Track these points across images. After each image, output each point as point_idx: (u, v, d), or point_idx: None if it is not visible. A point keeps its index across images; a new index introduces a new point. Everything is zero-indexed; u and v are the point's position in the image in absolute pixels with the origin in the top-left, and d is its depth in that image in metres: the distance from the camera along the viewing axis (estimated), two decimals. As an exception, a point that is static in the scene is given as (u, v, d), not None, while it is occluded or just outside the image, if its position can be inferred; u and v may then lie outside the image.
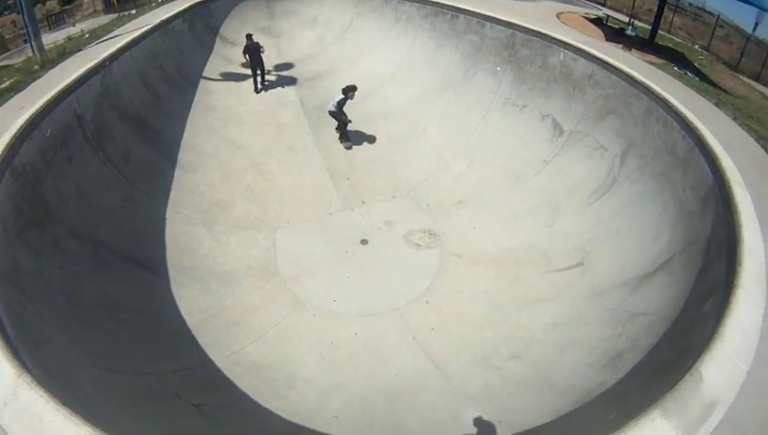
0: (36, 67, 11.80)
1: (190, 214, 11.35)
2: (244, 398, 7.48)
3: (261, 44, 16.49)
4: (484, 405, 7.48)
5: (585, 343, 8.12)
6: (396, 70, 17.23)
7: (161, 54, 15.25)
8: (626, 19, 19.47)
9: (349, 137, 14.45)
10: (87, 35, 14.60)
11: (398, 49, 17.91)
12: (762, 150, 9.95)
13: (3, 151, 8.00)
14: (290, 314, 9.61)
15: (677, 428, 4.80)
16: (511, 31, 15.10)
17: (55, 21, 22.95)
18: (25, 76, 11.20)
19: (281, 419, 7.15)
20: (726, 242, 7.43)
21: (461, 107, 15.14)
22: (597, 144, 12.04)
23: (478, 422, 7.10)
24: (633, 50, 15.02)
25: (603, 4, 23.34)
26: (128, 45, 13.49)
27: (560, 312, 9.22)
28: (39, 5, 24.38)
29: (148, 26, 15.00)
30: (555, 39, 14.07)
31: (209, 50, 17.95)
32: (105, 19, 17.57)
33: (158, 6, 17.81)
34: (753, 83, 17.64)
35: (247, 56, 16.42)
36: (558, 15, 17.82)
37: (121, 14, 17.11)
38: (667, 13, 19.74)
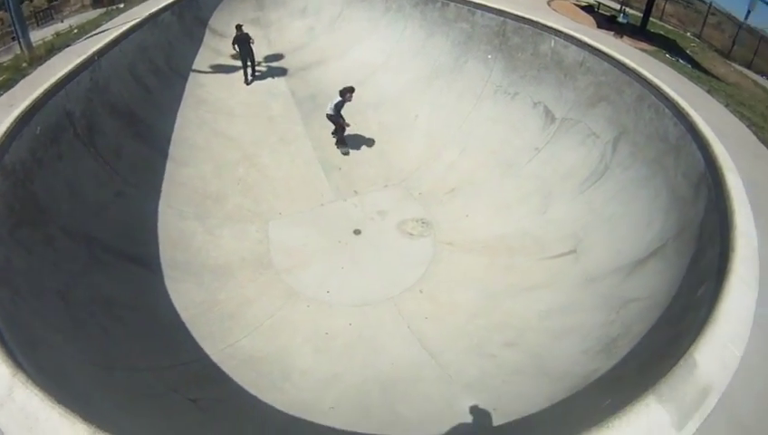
0: (25, 64, 11.69)
1: (183, 208, 11.32)
2: (240, 391, 7.49)
3: (250, 35, 16.40)
4: (480, 393, 7.51)
5: (579, 330, 8.15)
6: (386, 59, 17.18)
7: (150, 48, 15.13)
8: (617, 6, 19.40)
9: (346, 142, 14.18)
10: (75, 31, 14.45)
11: (388, 38, 17.84)
12: (754, 137, 9.97)
13: (-7, 150, 7.95)
14: (284, 306, 9.61)
15: (672, 413, 4.83)
16: (502, 18, 15.05)
17: (43, 17, 22.71)
18: (14, 74, 11.08)
19: (278, 411, 7.16)
20: (719, 228, 7.45)
21: (452, 95, 15.11)
22: (589, 131, 12.05)
23: (474, 410, 7.12)
24: (625, 37, 15.00)
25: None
26: (116, 39, 13.35)
27: (554, 299, 9.24)
28: (26, 2, 24.12)
29: (137, 20, 14.85)
30: (546, 26, 14.02)
31: (199, 42, 17.85)
32: (93, 14, 17.35)
33: (146, -1, 17.69)
34: (746, 71, 17.70)
35: (237, 47, 16.35)
36: (549, 3, 17.76)
37: (110, 8, 16.92)
38: (658, 0, 19.73)
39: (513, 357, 8.23)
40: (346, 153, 14.04)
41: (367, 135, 14.51)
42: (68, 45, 12.91)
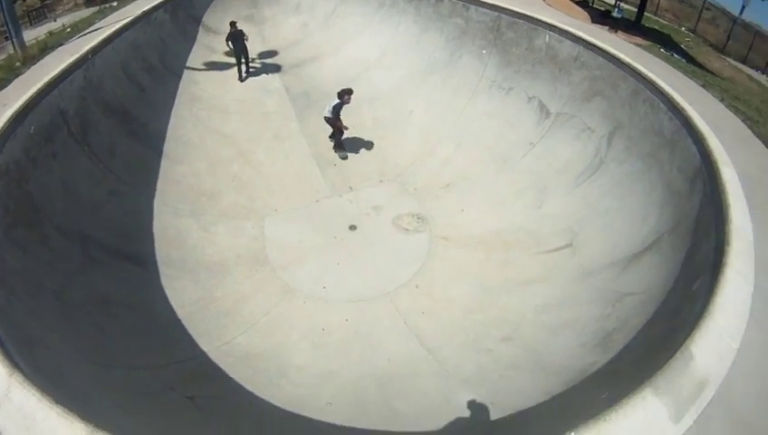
0: (18, 64, 11.63)
1: (178, 205, 11.29)
2: (237, 388, 7.49)
3: (245, 32, 16.36)
4: (477, 388, 7.51)
5: (576, 324, 8.17)
6: (381, 55, 17.17)
7: (144, 46, 15.07)
8: (612, 1, 19.46)
9: (344, 146, 13.95)
10: (68, 29, 14.39)
11: (382, 34, 17.83)
12: (749, 131, 10.02)
13: (-14, 150, 7.92)
14: (280, 303, 9.60)
15: (669, 405, 4.84)
16: (496, 14, 15.05)
17: (36, 17, 22.59)
18: (7, 74, 11.03)
19: (275, 407, 7.15)
20: (714, 221, 7.47)
21: (447, 90, 15.12)
22: (584, 126, 12.06)
23: (471, 405, 7.14)
24: (619, 32, 15.02)
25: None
26: (110, 38, 13.29)
27: (550, 293, 9.27)
28: (19, 1, 24.03)
29: (130, 18, 14.79)
30: (541, 21, 14.03)
31: (192, 40, 17.80)
32: (86, 12, 17.28)
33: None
34: (740, 66, 17.77)
35: (231, 44, 16.30)
36: (543, -3, 17.78)
37: (103, 6, 16.86)
38: (653, -5, 19.81)
39: (510, 352, 8.25)
40: (344, 158, 13.81)
41: (362, 131, 14.49)
42: (61, 44, 12.86)
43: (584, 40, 12.88)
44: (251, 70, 17.22)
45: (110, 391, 6.41)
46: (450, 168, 13.19)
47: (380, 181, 13.09)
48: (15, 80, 10.75)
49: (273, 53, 18.47)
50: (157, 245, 10.12)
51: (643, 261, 8.52)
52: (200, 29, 18.38)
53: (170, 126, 13.54)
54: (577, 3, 17.99)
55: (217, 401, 7.23)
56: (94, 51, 12.25)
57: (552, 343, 8.11)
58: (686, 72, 12.46)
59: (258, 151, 13.75)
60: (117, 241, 9.59)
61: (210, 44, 17.91)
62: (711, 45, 19.16)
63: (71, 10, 22.05)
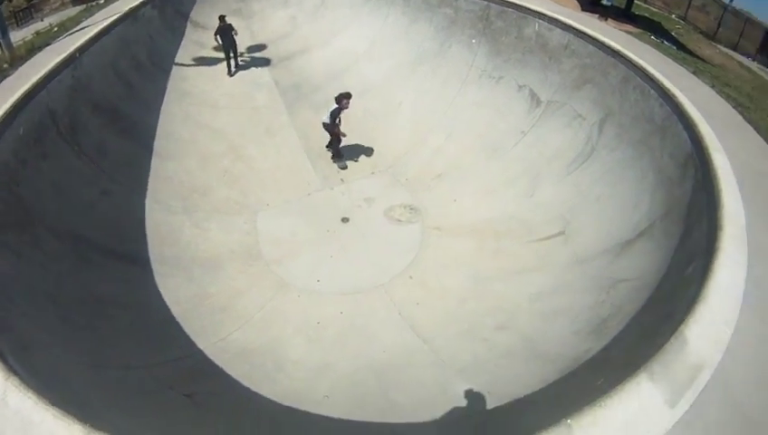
0: (6, 65, 11.55)
1: (170, 202, 11.25)
2: (234, 384, 7.49)
3: (233, 26, 16.27)
4: (473, 377, 7.55)
5: (570, 311, 8.21)
6: (370, 46, 17.12)
7: (132, 43, 14.95)
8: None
9: (342, 154, 13.49)
10: (56, 29, 14.31)
11: (371, 25, 17.77)
12: (740, 117, 10.06)
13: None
14: (275, 297, 9.61)
15: (664, 391, 4.88)
16: (485, 3, 15.03)
17: (23, 17, 22.47)
18: (-6, 76, 10.99)
19: (272, 402, 7.16)
20: (706, 207, 7.51)
21: (437, 81, 15.11)
22: (574, 113, 12.08)
23: (468, 394, 7.16)
24: (609, 20, 15.04)
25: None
26: (97, 36, 13.18)
27: (543, 281, 9.31)
28: (5, 2, 23.89)
29: (118, 15, 14.68)
30: (530, 10, 14.04)
31: (181, 35, 17.66)
32: (73, 11, 17.19)
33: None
34: (731, 52, 17.82)
35: (219, 39, 16.20)
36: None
37: (90, 4, 16.74)
38: (643, -18, 19.80)
39: (505, 340, 8.27)
40: (344, 167, 13.37)
41: (352, 122, 14.41)
42: (48, 44, 12.76)
43: (574, 28, 12.88)
44: (240, 64, 17.12)
45: (106, 391, 6.40)
46: (441, 158, 13.20)
47: (372, 173, 13.09)
48: (3, 81, 10.66)
49: (261, 47, 18.36)
50: (150, 243, 10.08)
51: (636, 247, 8.56)
52: (188, 25, 18.23)
53: (160, 123, 13.45)
54: (566, -10, 17.99)
55: (215, 397, 7.24)
56: (82, 49, 12.15)
57: (546, 330, 8.14)
58: (676, 59, 12.49)
59: (249, 146, 13.71)
60: (110, 241, 9.54)
61: (199, 40, 17.78)
62: (701, 32, 19.20)
63: (58, 9, 21.94)
